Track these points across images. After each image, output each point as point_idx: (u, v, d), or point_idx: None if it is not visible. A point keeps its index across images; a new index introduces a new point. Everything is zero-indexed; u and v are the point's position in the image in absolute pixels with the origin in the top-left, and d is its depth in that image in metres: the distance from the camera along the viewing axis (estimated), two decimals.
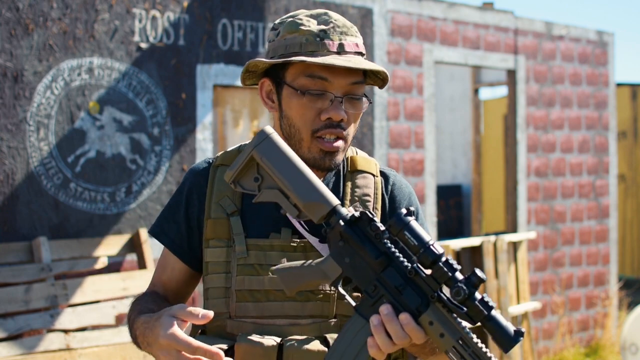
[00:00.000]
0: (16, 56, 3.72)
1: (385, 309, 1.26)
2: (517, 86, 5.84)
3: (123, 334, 3.76)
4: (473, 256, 5.45)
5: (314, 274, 1.34)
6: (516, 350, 5.47)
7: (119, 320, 3.86)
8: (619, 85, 9.33)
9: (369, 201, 1.52)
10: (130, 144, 4.06)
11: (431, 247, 1.24)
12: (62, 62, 3.85)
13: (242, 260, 1.47)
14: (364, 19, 4.93)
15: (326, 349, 1.39)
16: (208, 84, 4.30)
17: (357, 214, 1.32)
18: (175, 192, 1.61)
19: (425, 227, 1.59)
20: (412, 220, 1.26)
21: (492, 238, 5.46)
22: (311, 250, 1.46)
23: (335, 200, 1.35)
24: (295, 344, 1.40)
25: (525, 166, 5.88)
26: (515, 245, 5.62)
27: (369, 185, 1.54)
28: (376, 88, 4.96)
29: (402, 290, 1.27)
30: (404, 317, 1.25)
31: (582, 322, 6.29)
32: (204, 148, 4.29)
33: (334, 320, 1.45)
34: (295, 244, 1.47)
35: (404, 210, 1.27)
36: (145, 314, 1.45)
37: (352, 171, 1.55)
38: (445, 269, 1.23)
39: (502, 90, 9.16)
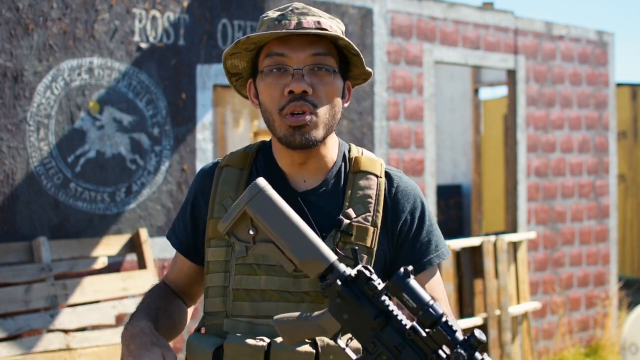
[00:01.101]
0: (16, 56, 3.72)
1: None
2: (517, 86, 5.84)
3: None
4: (473, 256, 5.45)
5: (312, 329, 1.34)
6: (516, 350, 5.47)
7: (119, 320, 3.86)
8: (619, 85, 9.33)
9: (370, 203, 1.51)
10: (130, 144, 4.06)
11: (430, 309, 1.23)
12: (62, 62, 3.86)
13: (240, 260, 1.48)
14: (364, 19, 4.93)
15: (314, 352, 1.39)
16: (208, 84, 4.30)
17: (354, 272, 1.30)
18: (186, 195, 1.65)
19: (435, 228, 1.58)
20: (411, 280, 1.25)
21: (492, 238, 5.46)
22: None
23: (332, 257, 1.33)
24: (283, 345, 1.40)
25: (525, 166, 5.88)
26: (515, 245, 5.62)
27: (372, 186, 1.53)
28: (376, 87, 4.97)
29: (401, 350, 1.26)
30: None
31: (582, 322, 6.29)
32: (204, 148, 4.29)
33: None
34: None
35: (402, 270, 1.25)
36: (150, 311, 1.50)
37: (355, 172, 1.54)
38: (445, 332, 1.22)
39: (502, 90, 9.17)
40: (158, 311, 1.53)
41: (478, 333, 1.21)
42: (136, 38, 4.07)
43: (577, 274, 6.26)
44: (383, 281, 1.33)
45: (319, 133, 1.47)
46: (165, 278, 1.67)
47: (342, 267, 1.32)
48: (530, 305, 5.62)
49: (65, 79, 3.87)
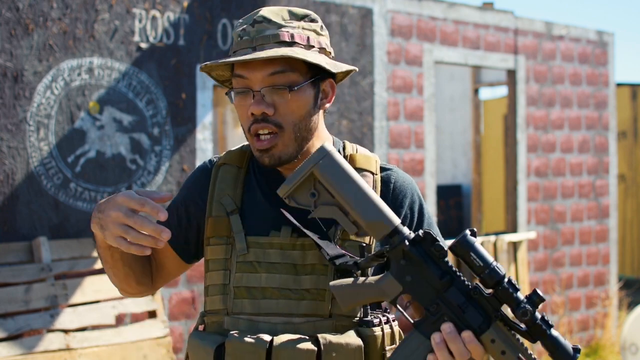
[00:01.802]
0: (16, 56, 3.72)
1: (447, 327, 1.30)
2: (517, 86, 5.84)
3: (123, 334, 3.76)
4: None
5: (372, 291, 1.36)
6: None
7: (119, 320, 3.86)
8: (619, 85, 9.33)
9: None
10: (130, 144, 4.06)
11: (496, 268, 1.27)
12: (62, 62, 3.86)
13: (241, 258, 1.48)
14: (364, 19, 4.93)
15: (316, 349, 1.39)
16: (208, 84, 4.30)
17: (420, 233, 1.33)
18: (179, 189, 1.63)
19: (433, 221, 1.60)
20: (476, 241, 1.29)
21: (492, 238, 5.46)
22: (310, 248, 1.47)
23: (397, 220, 1.36)
24: (285, 342, 1.40)
25: (525, 166, 5.88)
26: (515, 245, 5.62)
27: (368, 183, 1.53)
28: (376, 87, 4.96)
29: (465, 309, 1.30)
30: (467, 334, 1.29)
31: (582, 322, 6.29)
32: (204, 148, 4.29)
33: (329, 320, 1.45)
34: (294, 242, 1.47)
35: (468, 231, 1.29)
36: None
37: None
38: (510, 290, 1.27)
39: (502, 90, 9.16)
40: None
41: (539, 291, 1.26)
42: (136, 38, 4.07)
43: (577, 274, 6.26)
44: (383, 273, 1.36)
45: (288, 150, 1.48)
46: None
47: (406, 230, 1.36)
48: None
49: (65, 79, 3.87)
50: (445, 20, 5.40)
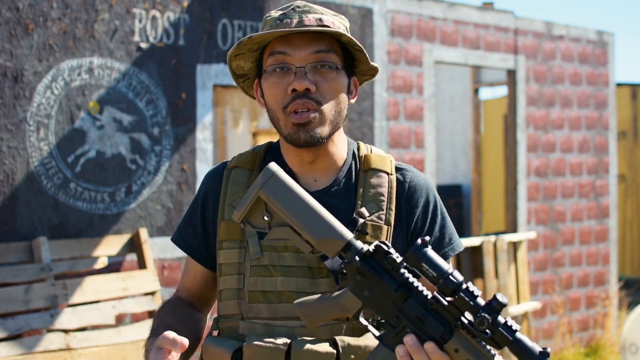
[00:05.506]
0: (16, 56, 3.72)
1: (410, 339, 1.26)
2: (517, 86, 5.84)
3: (123, 334, 3.76)
4: (473, 256, 5.45)
5: (334, 308, 1.34)
6: None
7: (119, 320, 3.86)
8: (619, 85, 9.33)
9: (382, 201, 1.50)
10: (130, 144, 4.06)
11: (450, 276, 1.24)
12: (62, 62, 3.86)
13: (255, 262, 1.46)
14: (364, 19, 4.93)
15: (335, 352, 1.38)
16: (208, 84, 4.30)
17: (371, 248, 1.30)
18: (193, 198, 1.62)
19: (447, 221, 1.58)
20: (428, 250, 1.25)
21: (492, 238, 5.45)
22: None
23: (348, 234, 1.33)
24: (304, 345, 1.39)
25: (525, 166, 5.88)
26: (515, 245, 5.62)
27: (383, 184, 1.52)
28: (376, 87, 4.96)
29: (425, 320, 1.27)
30: (429, 346, 1.25)
31: (582, 322, 6.29)
32: (204, 148, 4.29)
33: (346, 322, 1.44)
34: None
35: (419, 241, 1.26)
36: (160, 328, 1.47)
37: (366, 170, 1.53)
38: (467, 298, 1.23)
39: (502, 90, 9.16)
40: (165, 328, 1.48)
41: (500, 296, 1.22)
42: (136, 38, 4.07)
43: (577, 274, 6.26)
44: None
45: (324, 130, 1.47)
46: (178, 289, 1.65)
47: (359, 244, 1.32)
48: (530, 305, 5.62)
49: (65, 79, 3.87)
50: (445, 20, 5.40)
